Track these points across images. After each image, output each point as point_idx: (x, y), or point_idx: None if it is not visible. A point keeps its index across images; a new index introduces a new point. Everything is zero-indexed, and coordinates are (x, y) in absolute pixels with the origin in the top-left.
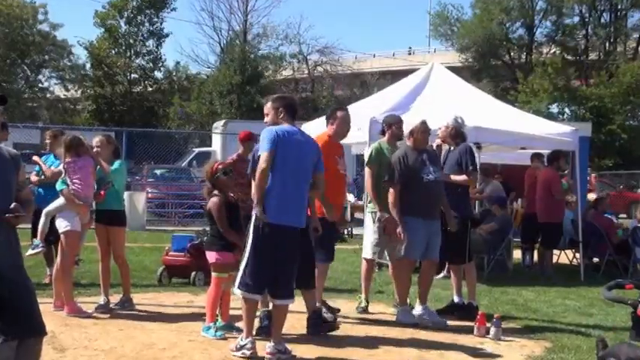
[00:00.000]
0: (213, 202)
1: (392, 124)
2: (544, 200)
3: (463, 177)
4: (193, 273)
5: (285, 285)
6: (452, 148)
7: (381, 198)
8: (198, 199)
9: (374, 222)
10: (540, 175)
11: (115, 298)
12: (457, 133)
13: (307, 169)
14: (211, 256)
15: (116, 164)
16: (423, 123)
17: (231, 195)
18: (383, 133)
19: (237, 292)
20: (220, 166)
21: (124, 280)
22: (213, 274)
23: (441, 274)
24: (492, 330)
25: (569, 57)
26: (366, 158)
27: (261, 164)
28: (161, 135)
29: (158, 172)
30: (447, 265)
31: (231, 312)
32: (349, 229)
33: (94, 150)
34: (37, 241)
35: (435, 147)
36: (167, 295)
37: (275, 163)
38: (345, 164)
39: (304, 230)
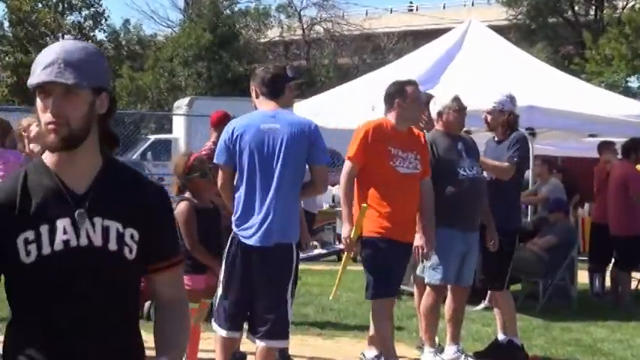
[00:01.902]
0: (179, 209)
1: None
2: (619, 205)
3: (498, 164)
4: (148, 303)
5: (264, 320)
6: (495, 138)
7: None
8: None
9: None
10: (614, 172)
11: None
12: (514, 120)
13: (288, 165)
14: None
15: None
16: (457, 100)
17: (210, 200)
18: None
19: (214, 328)
20: (196, 162)
21: None
22: None
23: (481, 305)
24: None
25: None
26: None
27: (218, 180)
28: None
29: None
30: (488, 293)
31: (208, 355)
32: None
33: (24, 137)
34: None
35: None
36: None
37: (239, 166)
38: (415, 161)
39: (282, 251)
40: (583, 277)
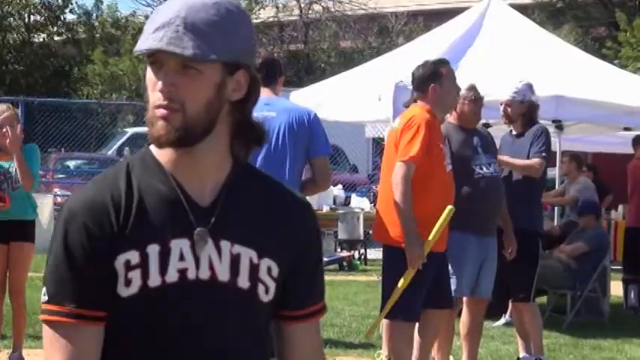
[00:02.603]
0: None
1: None
2: None
3: (529, 162)
4: None
5: None
6: (513, 131)
7: None
8: None
9: None
10: None
11: (2, 355)
12: (534, 110)
13: (286, 156)
14: None
15: (31, 148)
16: (472, 89)
17: None
18: None
19: None
20: None
21: (16, 328)
22: None
23: (502, 320)
24: None
25: None
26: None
27: None
28: (76, 108)
29: (71, 163)
30: (509, 307)
31: None
32: (361, 251)
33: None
34: None
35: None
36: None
37: None
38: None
39: None
40: (616, 288)
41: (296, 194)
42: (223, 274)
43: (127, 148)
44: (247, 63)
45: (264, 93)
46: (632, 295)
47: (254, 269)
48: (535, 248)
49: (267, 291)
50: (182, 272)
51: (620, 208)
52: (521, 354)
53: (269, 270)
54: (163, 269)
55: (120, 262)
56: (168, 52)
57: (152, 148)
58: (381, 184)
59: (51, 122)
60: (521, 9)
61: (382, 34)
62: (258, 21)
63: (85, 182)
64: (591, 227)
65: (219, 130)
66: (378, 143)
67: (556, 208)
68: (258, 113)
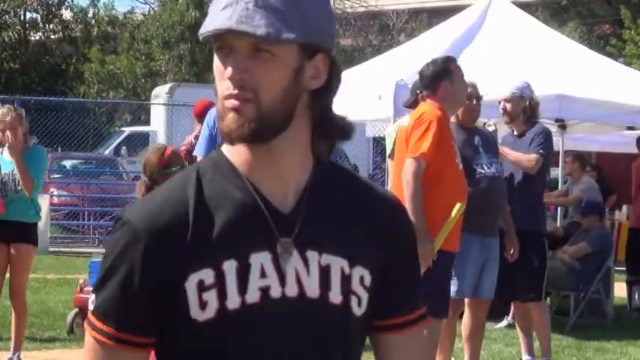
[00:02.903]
0: None
1: None
2: None
3: (525, 155)
4: None
5: None
6: (515, 131)
7: None
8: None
9: None
10: None
11: (1, 357)
12: (535, 108)
13: None
14: None
15: (35, 152)
16: (472, 87)
17: None
18: (414, 104)
19: None
20: (173, 156)
21: (16, 330)
22: None
23: (504, 322)
24: None
25: None
26: (388, 145)
27: None
28: (73, 106)
29: (68, 163)
30: (511, 309)
31: None
32: None
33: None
34: None
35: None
36: (82, 353)
37: None
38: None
39: None
40: (620, 289)
41: (385, 192)
42: (313, 290)
43: (124, 148)
44: (327, 46)
45: None
46: (636, 297)
47: (346, 280)
48: (542, 247)
49: (359, 303)
50: (264, 291)
51: (624, 208)
52: (524, 356)
53: (361, 280)
54: (243, 288)
55: (192, 282)
56: (239, 31)
57: (224, 149)
58: (391, 182)
59: (47, 121)
60: (525, 6)
61: (383, 32)
62: None
63: (81, 182)
64: (595, 228)
65: (297, 123)
66: (378, 142)
67: (559, 209)
68: None
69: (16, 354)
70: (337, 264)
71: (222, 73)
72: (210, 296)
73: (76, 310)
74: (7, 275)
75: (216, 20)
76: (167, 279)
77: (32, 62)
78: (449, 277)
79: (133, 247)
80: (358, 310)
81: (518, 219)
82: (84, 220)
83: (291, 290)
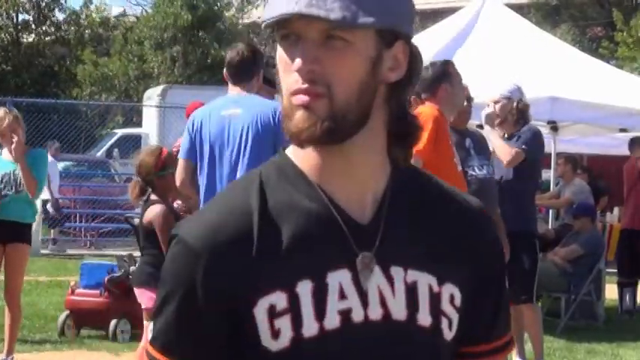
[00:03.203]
0: (155, 212)
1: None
2: None
3: (507, 147)
4: (114, 321)
5: None
6: (505, 134)
7: None
8: (122, 207)
9: None
10: None
11: None
12: (525, 109)
13: (251, 155)
14: (145, 297)
15: (38, 154)
16: (465, 89)
17: (179, 203)
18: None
19: None
20: (168, 157)
21: (10, 332)
22: (148, 324)
23: None
24: None
25: None
26: None
27: (177, 175)
28: (65, 108)
29: (60, 165)
30: None
31: None
32: None
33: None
34: None
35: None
36: (74, 355)
37: (199, 159)
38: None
39: None
40: (611, 291)
41: (470, 200)
42: (399, 311)
43: (116, 150)
44: (406, 32)
45: (235, 91)
46: (627, 299)
47: (435, 299)
48: (533, 249)
49: (450, 326)
50: (345, 314)
51: (616, 210)
52: (515, 359)
53: (451, 298)
54: (320, 312)
55: (262, 307)
56: (309, 16)
57: (290, 152)
58: None
59: (40, 124)
60: (517, 8)
61: None
62: (250, 20)
63: (73, 185)
64: (586, 230)
65: (374, 122)
66: None
67: (551, 211)
68: (225, 111)
69: (10, 357)
70: (424, 281)
71: (288, 65)
72: (284, 323)
73: (67, 312)
74: (1, 277)
75: (280, 4)
76: (232, 304)
77: (24, 64)
78: None
79: (192, 269)
80: (449, 334)
81: (510, 220)
82: (76, 222)
83: (375, 312)
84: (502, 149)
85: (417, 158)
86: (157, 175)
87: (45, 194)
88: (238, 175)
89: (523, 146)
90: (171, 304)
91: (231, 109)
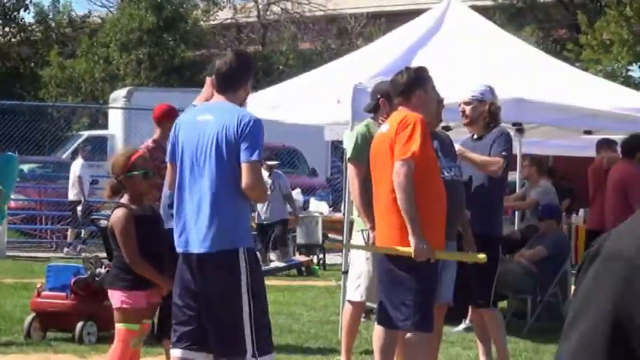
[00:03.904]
0: (116, 216)
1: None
2: (618, 211)
3: (489, 158)
4: (80, 323)
5: (215, 337)
6: (474, 135)
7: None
8: (88, 209)
9: (367, 244)
10: (613, 173)
11: None
12: (496, 112)
13: (217, 161)
14: (115, 298)
15: (4, 159)
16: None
17: (150, 206)
18: (375, 109)
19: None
20: (139, 160)
21: None
22: (118, 326)
23: (462, 325)
24: None
25: None
26: (348, 148)
27: (166, 177)
28: (30, 110)
29: (25, 167)
30: (469, 312)
31: None
32: (320, 256)
33: None
34: None
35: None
36: (39, 357)
37: (177, 164)
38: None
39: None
40: None
41: None
42: None
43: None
44: None
45: (216, 99)
46: None
47: None
48: (494, 253)
49: None
50: None
51: (581, 212)
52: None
53: None
54: None
55: None
56: None
57: None
58: (377, 196)
59: (5, 125)
60: (482, 10)
61: (341, 35)
62: (216, 22)
63: (38, 187)
64: (552, 232)
65: None
66: (337, 146)
67: (517, 212)
68: (200, 117)
69: None
70: None
71: None
72: None
73: (34, 314)
74: None
75: None
76: None
77: None
78: (435, 290)
79: (632, 289)
80: None
81: (475, 222)
82: (41, 224)
83: None
84: (487, 164)
85: (411, 162)
86: (125, 176)
87: (77, 196)
88: (206, 180)
89: (504, 153)
90: (597, 331)
91: (206, 115)
